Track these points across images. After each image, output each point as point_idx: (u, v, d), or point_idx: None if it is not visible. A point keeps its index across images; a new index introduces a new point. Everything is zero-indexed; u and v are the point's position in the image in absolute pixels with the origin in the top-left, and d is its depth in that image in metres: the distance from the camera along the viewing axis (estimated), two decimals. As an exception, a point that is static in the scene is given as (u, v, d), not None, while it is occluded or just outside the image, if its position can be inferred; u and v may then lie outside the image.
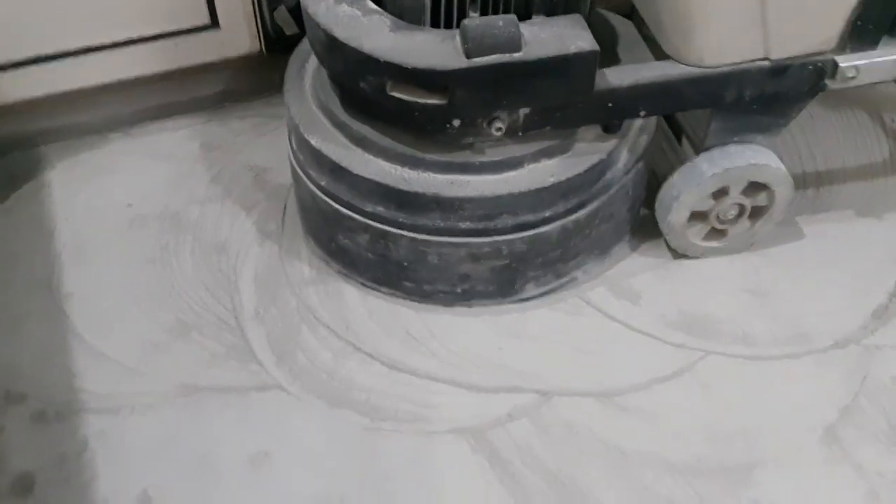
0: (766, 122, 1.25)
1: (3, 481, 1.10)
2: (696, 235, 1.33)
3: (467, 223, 1.19)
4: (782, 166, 1.26)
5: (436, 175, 1.18)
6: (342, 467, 1.12)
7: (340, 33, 1.10)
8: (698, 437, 1.15)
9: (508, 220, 1.19)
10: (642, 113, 1.19)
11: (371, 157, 1.20)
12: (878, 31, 1.16)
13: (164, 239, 1.37)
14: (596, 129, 1.23)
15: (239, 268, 1.34)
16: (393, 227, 1.22)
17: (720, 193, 1.28)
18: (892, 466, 1.11)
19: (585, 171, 1.20)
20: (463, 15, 1.12)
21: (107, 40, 1.43)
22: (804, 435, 1.14)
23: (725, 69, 1.16)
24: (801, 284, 1.32)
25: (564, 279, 1.31)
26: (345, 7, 1.12)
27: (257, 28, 1.50)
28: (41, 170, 1.47)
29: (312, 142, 1.23)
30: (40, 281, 1.31)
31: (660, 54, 1.21)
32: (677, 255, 1.35)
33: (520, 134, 1.17)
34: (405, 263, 1.25)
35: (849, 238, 1.39)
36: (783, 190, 1.29)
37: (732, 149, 1.26)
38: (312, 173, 1.26)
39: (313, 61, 1.31)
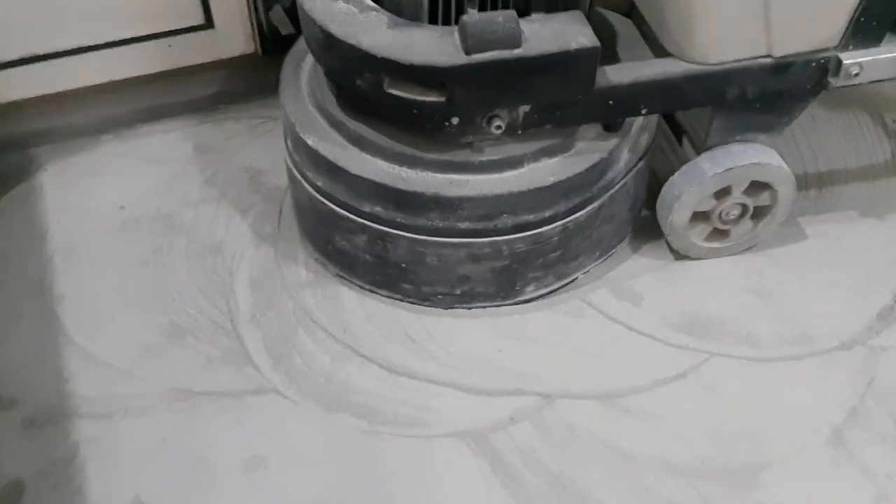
0: (768, 121, 1.24)
1: (-8, 488, 1.08)
2: (698, 236, 1.31)
3: (467, 223, 1.17)
4: (785, 165, 1.25)
5: (434, 174, 1.16)
6: (340, 472, 1.10)
7: (337, 30, 1.09)
8: (702, 439, 1.13)
9: (508, 221, 1.18)
10: (644, 111, 1.17)
11: (368, 156, 1.18)
12: (881, 28, 1.15)
13: (158, 241, 1.35)
14: (597, 128, 1.21)
15: (234, 270, 1.32)
16: (391, 227, 1.20)
17: (722, 193, 1.26)
18: (900, 469, 1.10)
19: (586, 170, 1.18)
20: (461, 11, 1.10)
21: (99, 40, 1.42)
22: (810, 437, 1.13)
23: (728, 66, 1.14)
24: (804, 285, 1.31)
25: (565, 280, 1.29)
26: (341, 4, 1.11)
27: (252, 28, 1.48)
28: (32, 172, 1.45)
29: (309, 141, 1.21)
30: (32, 283, 1.29)
31: (660, 53, 1.19)
32: (679, 256, 1.33)
33: (519, 132, 1.15)
34: (404, 265, 1.23)
35: (851, 239, 1.37)
36: (786, 189, 1.27)
37: (735, 148, 1.24)
38: (309, 174, 1.24)
39: (309, 61, 1.29)
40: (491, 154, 1.16)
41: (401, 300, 1.28)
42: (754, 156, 1.24)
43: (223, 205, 1.40)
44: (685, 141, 1.33)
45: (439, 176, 1.16)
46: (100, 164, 1.46)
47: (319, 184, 1.22)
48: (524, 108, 1.13)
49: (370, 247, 1.23)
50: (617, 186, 1.23)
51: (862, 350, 1.22)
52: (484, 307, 1.27)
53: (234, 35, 1.49)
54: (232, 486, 1.08)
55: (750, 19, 1.11)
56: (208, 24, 1.46)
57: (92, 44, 1.42)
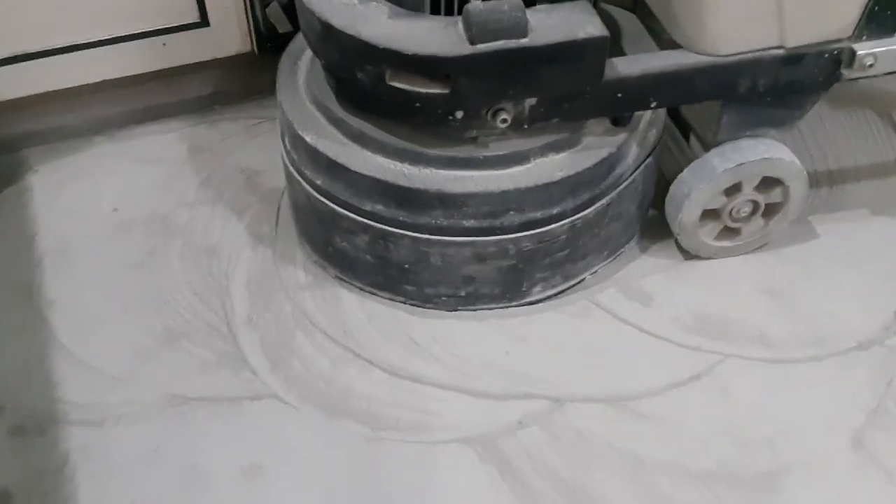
0: (779, 116, 1.20)
1: (-23, 499, 1.03)
2: (708, 235, 1.27)
3: (471, 221, 1.14)
4: (796, 160, 1.22)
5: (438, 171, 1.13)
6: (341, 480, 1.05)
7: (337, 21, 1.06)
8: (719, 443, 1.09)
9: (515, 218, 1.14)
10: (653, 104, 1.14)
11: (369, 153, 1.15)
12: (896, 17, 1.12)
13: (152, 243, 1.31)
14: (604, 123, 1.18)
15: (230, 272, 1.28)
16: (393, 226, 1.16)
17: (733, 190, 1.23)
18: (923, 472, 1.06)
19: (595, 166, 1.14)
20: (464, 1, 1.07)
21: (91, 38, 1.38)
22: (831, 440, 1.09)
23: (739, 57, 1.11)
24: (817, 285, 1.27)
25: (573, 281, 1.25)
26: (340, -6, 1.07)
27: (249, 26, 1.45)
28: (22, 174, 1.41)
29: (307, 139, 1.17)
30: (20, 287, 1.25)
31: (666, 48, 1.16)
32: (688, 255, 1.30)
33: (525, 127, 1.12)
34: (406, 265, 1.19)
35: (864, 237, 1.34)
36: (798, 185, 1.24)
37: (745, 143, 1.21)
38: (308, 172, 1.20)
39: (307, 58, 1.26)
40: (496, 149, 1.13)
41: (403, 303, 1.24)
42: (765, 151, 1.20)
43: (219, 206, 1.37)
44: (692, 138, 1.30)
45: (443, 172, 1.13)
46: (92, 166, 1.42)
47: (318, 182, 1.19)
48: (530, 101, 1.09)
49: (371, 247, 1.19)
50: (625, 183, 1.20)
51: (880, 350, 1.18)
52: (489, 309, 1.23)
53: (229, 33, 1.45)
54: (228, 496, 1.04)
55: (762, 9, 1.08)
56: (203, 22, 1.43)
57: (84, 42, 1.38)
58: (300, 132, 1.18)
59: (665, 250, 1.31)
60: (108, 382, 1.14)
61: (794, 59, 1.12)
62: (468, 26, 1.01)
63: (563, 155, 1.14)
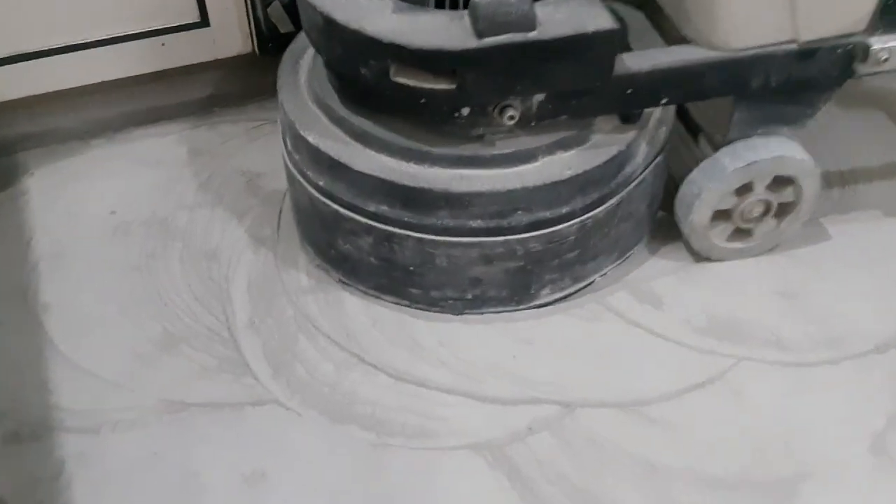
0: (791, 113, 1.18)
1: (-30, 509, 1.00)
2: (719, 236, 1.25)
3: (478, 221, 1.11)
4: (809, 158, 1.19)
5: (444, 169, 1.10)
6: (346, 487, 1.02)
7: (339, 16, 1.03)
8: (735, 449, 1.06)
9: (523, 218, 1.11)
10: (664, 101, 1.12)
11: (373, 152, 1.12)
12: (912, 11, 1.10)
13: (151, 246, 1.28)
14: (613, 120, 1.15)
15: (231, 276, 1.25)
16: (398, 227, 1.13)
17: (744, 190, 1.20)
18: (946, 477, 1.03)
19: (604, 164, 1.12)
20: (470, -4, 1.05)
21: (88, 38, 1.36)
22: (850, 445, 1.06)
23: (751, 52, 1.09)
24: (831, 286, 1.24)
25: (582, 283, 1.22)
26: (343, -12, 1.05)
27: (250, 26, 1.43)
28: (18, 176, 1.39)
29: (309, 139, 1.15)
30: (15, 291, 1.22)
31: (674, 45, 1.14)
32: (699, 257, 1.27)
33: (533, 124, 1.09)
34: (411, 268, 1.17)
35: (876, 239, 1.31)
36: (811, 184, 1.21)
37: (756, 141, 1.19)
38: (310, 173, 1.17)
39: (308, 57, 1.24)
40: (503, 147, 1.10)
41: (408, 306, 1.21)
42: (777, 148, 1.18)
43: (219, 209, 1.34)
44: (701, 138, 1.28)
45: (449, 171, 1.10)
46: (89, 168, 1.40)
47: (321, 183, 1.16)
48: (538, 97, 1.07)
49: (375, 249, 1.17)
50: (635, 182, 1.17)
51: (898, 353, 1.16)
52: (496, 312, 1.20)
53: (230, 34, 1.43)
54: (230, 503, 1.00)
55: (774, 3, 1.06)
56: (203, 21, 1.40)
57: (81, 42, 1.36)
58: (302, 132, 1.15)
59: (675, 252, 1.28)
60: (105, 388, 1.11)
61: (808, 53, 1.10)
62: (475, 19, 0.99)
63: (571, 153, 1.12)
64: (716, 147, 1.21)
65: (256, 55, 1.46)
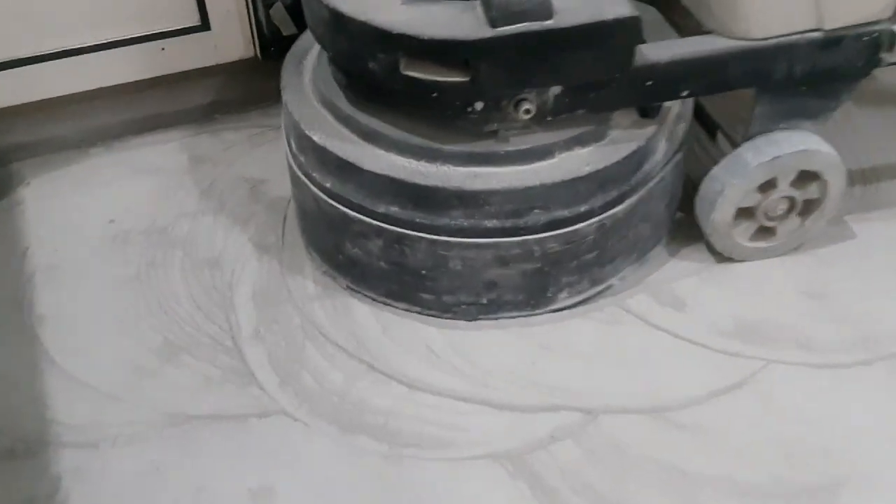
0: (814, 106, 1.14)
1: (-38, 529, 0.95)
2: (742, 235, 1.20)
3: (493, 221, 1.07)
4: (834, 152, 1.15)
5: (456, 167, 1.06)
6: (358, 501, 0.98)
7: (347, 8, 1.00)
8: (769, 455, 1.01)
9: (540, 217, 1.07)
10: (684, 93, 1.08)
11: (382, 151, 1.08)
12: (940, -3, 1.06)
13: (151, 255, 1.24)
14: (631, 115, 1.11)
15: (234, 284, 1.20)
16: (409, 229, 1.09)
17: (768, 186, 1.16)
18: None
19: (624, 160, 1.08)
20: (483, -16, 1.01)
21: (85, 42, 1.33)
22: (891, 448, 1.01)
23: (774, 41, 1.06)
24: (858, 286, 1.20)
25: (600, 286, 1.18)
26: (349, -19, 1.01)
27: (251, 29, 1.39)
28: (13, 187, 1.35)
29: (315, 139, 1.11)
30: (9, 303, 1.19)
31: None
32: (721, 258, 1.23)
33: (549, 119, 1.05)
34: (423, 271, 1.12)
35: (903, 237, 1.27)
36: (836, 179, 1.17)
37: (779, 135, 1.15)
38: (316, 175, 1.13)
39: (312, 57, 1.21)
40: (518, 144, 1.06)
41: (420, 313, 1.16)
42: (801, 142, 1.14)
43: (221, 216, 1.30)
44: (720, 137, 1.24)
45: (461, 169, 1.06)
46: (87, 177, 1.37)
47: (328, 185, 1.12)
48: (555, 90, 1.03)
49: (386, 252, 1.12)
50: (655, 179, 1.13)
51: (933, 353, 1.11)
52: (512, 317, 1.15)
53: (231, 37, 1.40)
54: (236, 520, 0.95)
55: (798, -11, 1.02)
56: (204, 25, 1.37)
57: (77, 46, 1.33)
58: (307, 132, 1.11)
59: (695, 253, 1.24)
60: (104, 401, 1.07)
61: (833, 42, 1.06)
62: (488, 7, 0.96)
63: (589, 149, 1.08)
64: (735, 145, 1.17)
65: (258, 59, 1.43)
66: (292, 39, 1.31)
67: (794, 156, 1.14)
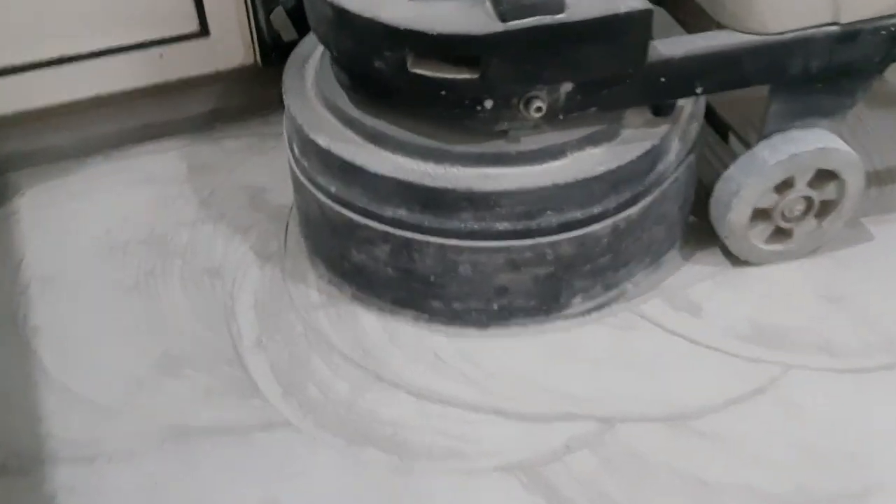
0: (830, 104, 1.12)
1: (-48, 550, 0.91)
2: (758, 237, 1.17)
3: (505, 224, 1.04)
4: (852, 150, 1.12)
5: (466, 168, 1.03)
6: (368, 516, 0.94)
7: (352, 5, 0.97)
8: (793, 463, 0.97)
9: (553, 219, 1.04)
10: (698, 90, 1.05)
11: (388, 153, 1.05)
12: (958, -12, 1.04)
13: (149, 264, 1.22)
14: (644, 114, 1.08)
15: (236, 293, 1.17)
16: (417, 233, 1.06)
17: (784, 186, 1.13)
18: None
19: (637, 159, 1.05)
20: (492, -20, 0.98)
21: (82, 49, 1.31)
22: (920, 454, 0.97)
23: (790, 36, 1.03)
24: (878, 288, 1.18)
25: (614, 292, 1.14)
26: (353, -22, 0.99)
27: (252, 35, 1.37)
28: (9, 197, 1.33)
29: (319, 142, 1.08)
30: (4, 314, 1.16)
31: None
32: (737, 261, 1.19)
33: (560, 117, 1.02)
34: (432, 278, 1.09)
35: (922, 239, 1.24)
36: (854, 179, 1.14)
37: (795, 134, 1.12)
38: (320, 180, 1.10)
39: (314, 60, 1.18)
40: (529, 143, 1.04)
41: (428, 320, 1.13)
42: (818, 140, 1.11)
43: (222, 225, 1.28)
44: (731, 138, 1.21)
45: (471, 170, 1.03)
46: (84, 187, 1.35)
47: (332, 189, 1.09)
48: (566, 88, 1.00)
49: (393, 258, 1.09)
50: (669, 180, 1.10)
51: (958, 355, 1.07)
52: (523, 325, 1.12)
53: (231, 44, 1.38)
54: (240, 537, 0.91)
55: (814, -18, 1.00)
56: (203, 31, 1.35)
57: (74, 53, 1.31)
58: (311, 135, 1.08)
59: (710, 257, 1.21)
60: (101, 415, 1.04)
61: (849, 36, 1.04)
62: (498, 2, 0.93)
63: (601, 148, 1.05)
64: (748, 146, 1.14)
65: (259, 66, 1.41)
66: (293, 45, 1.29)
67: (811, 153, 1.11)
